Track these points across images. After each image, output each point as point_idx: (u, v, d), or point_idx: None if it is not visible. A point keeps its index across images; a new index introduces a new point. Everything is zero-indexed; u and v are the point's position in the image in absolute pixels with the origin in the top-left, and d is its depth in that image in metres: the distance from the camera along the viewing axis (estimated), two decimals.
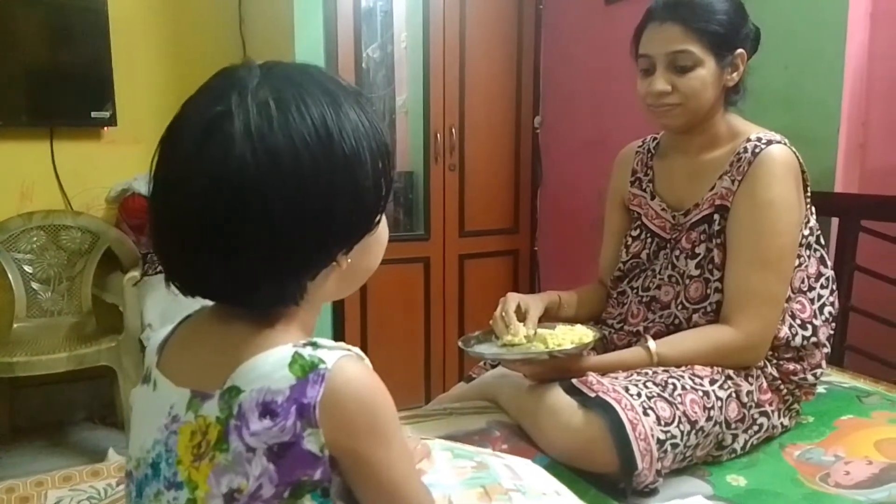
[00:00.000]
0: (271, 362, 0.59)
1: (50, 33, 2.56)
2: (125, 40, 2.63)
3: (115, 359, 2.29)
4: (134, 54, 2.68)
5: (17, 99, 2.53)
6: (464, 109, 2.64)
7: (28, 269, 2.52)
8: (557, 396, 1.15)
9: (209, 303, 0.72)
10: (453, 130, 2.62)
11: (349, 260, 0.65)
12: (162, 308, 2.37)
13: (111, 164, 2.69)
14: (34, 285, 2.53)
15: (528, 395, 1.21)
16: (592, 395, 1.11)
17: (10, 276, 2.48)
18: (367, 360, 0.64)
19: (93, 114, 2.57)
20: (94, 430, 2.58)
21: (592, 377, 1.14)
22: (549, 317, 1.36)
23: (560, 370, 1.18)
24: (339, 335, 2.50)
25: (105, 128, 2.65)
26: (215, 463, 0.59)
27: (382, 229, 0.70)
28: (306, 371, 0.58)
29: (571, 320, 1.34)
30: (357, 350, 0.63)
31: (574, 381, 1.15)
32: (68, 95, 2.56)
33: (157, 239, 0.63)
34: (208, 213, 0.58)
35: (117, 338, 2.32)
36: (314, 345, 0.61)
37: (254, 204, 0.57)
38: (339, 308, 2.50)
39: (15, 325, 2.47)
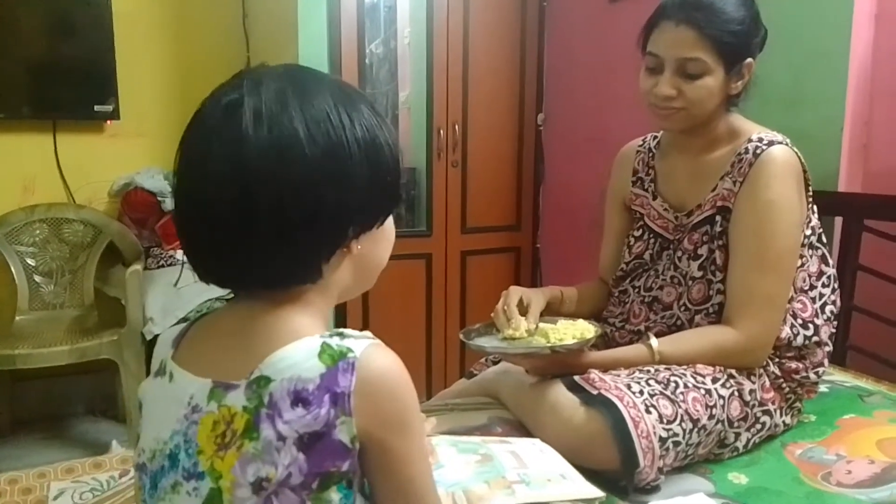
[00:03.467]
0: (301, 352, 0.61)
1: (53, 27, 2.56)
2: (128, 34, 2.63)
3: (117, 352, 2.30)
4: (137, 48, 2.68)
5: (19, 92, 2.53)
6: (467, 106, 2.64)
7: (30, 261, 2.52)
8: (559, 393, 1.15)
9: (213, 294, 0.72)
10: (456, 127, 2.62)
11: (359, 247, 0.68)
12: (163, 302, 2.37)
13: (114, 158, 2.69)
14: (36, 278, 2.54)
15: (530, 392, 1.21)
16: (594, 392, 1.10)
17: (12, 268, 2.48)
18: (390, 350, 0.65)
19: (96, 107, 2.57)
20: (95, 423, 2.59)
21: (594, 374, 1.14)
22: (551, 311, 1.36)
23: (561, 365, 1.18)
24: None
25: (108, 121, 2.65)
26: (242, 451, 0.59)
27: (390, 225, 0.73)
28: (335, 360, 0.60)
29: (573, 316, 1.34)
30: (379, 341, 0.64)
31: (576, 378, 1.15)
32: (71, 89, 2.56)
33: (180, 225, 0.65)
34: (226, 194, 0.60)
35: (119, 331, 2.32)
36: (341, 335, 0.63)
37: (268, 185, 0.60)
38: (341, 303, 2.50)
39: (17, 318, 2.47)
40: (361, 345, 0.62)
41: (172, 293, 2.38)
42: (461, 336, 1.29)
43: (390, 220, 0.73)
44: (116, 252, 2.55)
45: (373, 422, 0.60)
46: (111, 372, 2.38)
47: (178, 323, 0.74)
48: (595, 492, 0.92)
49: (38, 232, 2.53)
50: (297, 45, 2.35)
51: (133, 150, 2.72)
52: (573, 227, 2.73)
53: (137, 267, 2.38)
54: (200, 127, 0.64)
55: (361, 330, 2.13)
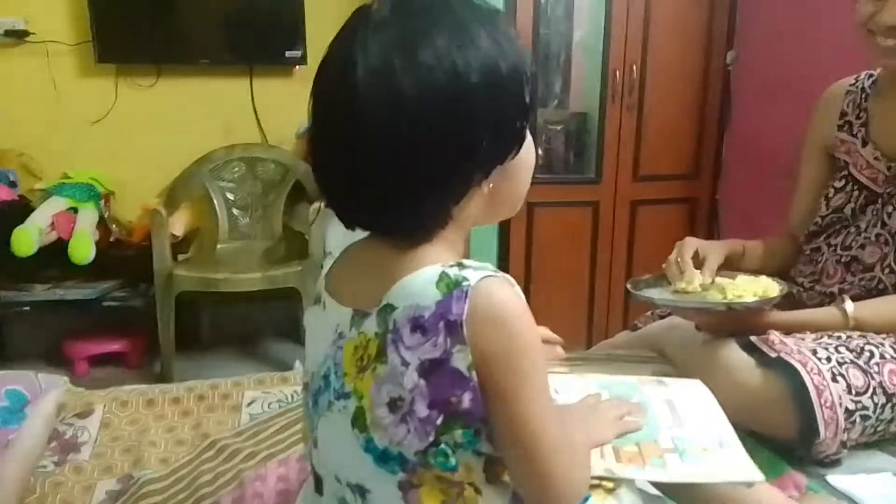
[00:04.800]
0: (420, 281, 0.62)
1: None
2: None
3: (300, 281, 2.51)
4: None
5: (221, 39, 2.77)
6: (647, 45, 2.48)
7: (230, 196, 2.81)
8: (733, 353, 1.09)
9: None
10: (634, 68, 2.48)
11: (490, 185, 0.66)
12: (341, 237, 2.51)
13: (301, 101, 2.78)
14: (234, 211, 2.82)
15: (700, 349, 1.15)
16: (773, 354, 1.03)
17: (215, 201, 2.78)
18: (517, 288, 0.63)
19: (286, 53, 2.74)
20: (281, 344, 2.86)
21: (774, 335, 1.06)
22: (730, 266, 1.26)
23: (738, 324, 1.11)
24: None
25: (296, 66, 2.82)
26: (376, 374, 0.63)
27: (527, 153, 0.69)
28: (451, 288, 0.60)
29: (755, 272, 1.24)
30: (506, 276, 0.63)
31: (753, 338, 1.08)
32: (265, 35, 2.75)
33: (315, 166, 0.67)
34: (346, 144, 0.62)
35: (302, 262, 2.53)
36: (461, 265, 0.62)
37: (383, 133, 0.59)
38: (503, 248, 2.52)
39: (218, 247, 2.78)
40: (478, 275, 0.61)
41: (349, 230, 2.53)
42: (628, 286, 1.25)
43: (528, 149, 0.69)
44: (302, 190, 2.76)
45: (483, 352, 0.60)
46: (295, 299, 2.60)
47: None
48: (753, 473, 0.83)
49: (236, 169, 2.80)
50: None
51: None
52: (760, 177, 2.50)
53: (319, 204, 2.55)
54: (322, 80, 0.65)
55: (525, 275, 2.14)
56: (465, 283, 0.60)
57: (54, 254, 2.36)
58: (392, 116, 0.59)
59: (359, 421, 0.65)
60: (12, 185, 2.53)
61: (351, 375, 0.65)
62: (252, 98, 2.83)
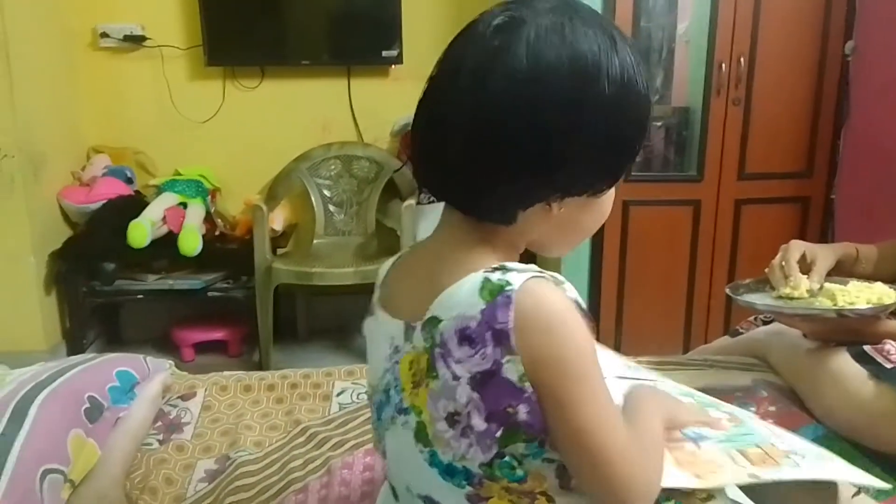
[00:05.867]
0: (464, 290, 0.60)
1: None
2: None
3: None
4: None
5: (320, 40, 2.85)
6: (757, 34, 2.34)
7: (327, 192, 2.89)
8: (843, 363, 1.01)
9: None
10: (741, 59, 2.35)
11: (562, 209, 0.63)
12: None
13: (396, 100, 2.91)
14: (331, 207, 2.90)
15: (808, 357, 1.08)
16: (889, 366, 0.95)
17: (312, 198, 2.87)
18: (566, 285, 0.61)
19: (383, 53, 2.79)
20: None
21: (891, 345, 0.98)
22: (842, 272, 1.18)
23: (849, 332, 1.03)
24: (595, 274, 2.47)
25: (392, 66, 2.86)
26: (430, 389, 0.62)
27: (608, 198, 0.67)
28: (494, 294, 0.58)
29: (869, 278, 1.15)
30: (554, 274, 0.61)
31: (866, 347, 1.00)
32: (362, 36, 2.82)
33: (414, 133, 0.66)
34: (459, 112, 0.60)
35: None
36: (503, 269, 0.60)
37: (498, 112, 0.58)
38: (597, 247, 2.46)
39: (314, 242, 2.87)
40: (522, 278, 0.58)
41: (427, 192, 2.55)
42: (728, 291, 1.19)
43: (610, 195, 0.66)
44: (395, 187, 2.80)
45: (535, 360, 0.57)
46: None
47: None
48: (877, 482, 0.78)
49: (333, 167, 2.89)
50: None
51: (413, 93, 2.82)
52: (881, 176, 2.31)
53: (412, 201, 2.59)
54: (459, 45, 0.63)
55: (619, 276, 2.08)
56: (508, 288, 0.58)
57: (165, 246, 2.52)
58: (528, 78, 0.57)
59: (421, 436, 0.64)
60: (129, 181, 2.72)
61: (408, 390, 0.65)
62: (349, 97, 2.90)
